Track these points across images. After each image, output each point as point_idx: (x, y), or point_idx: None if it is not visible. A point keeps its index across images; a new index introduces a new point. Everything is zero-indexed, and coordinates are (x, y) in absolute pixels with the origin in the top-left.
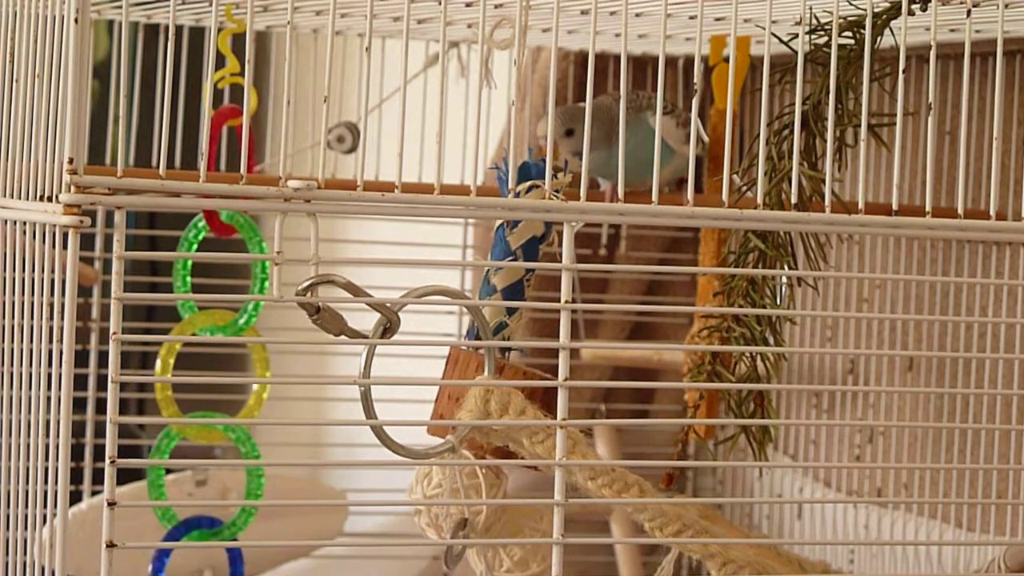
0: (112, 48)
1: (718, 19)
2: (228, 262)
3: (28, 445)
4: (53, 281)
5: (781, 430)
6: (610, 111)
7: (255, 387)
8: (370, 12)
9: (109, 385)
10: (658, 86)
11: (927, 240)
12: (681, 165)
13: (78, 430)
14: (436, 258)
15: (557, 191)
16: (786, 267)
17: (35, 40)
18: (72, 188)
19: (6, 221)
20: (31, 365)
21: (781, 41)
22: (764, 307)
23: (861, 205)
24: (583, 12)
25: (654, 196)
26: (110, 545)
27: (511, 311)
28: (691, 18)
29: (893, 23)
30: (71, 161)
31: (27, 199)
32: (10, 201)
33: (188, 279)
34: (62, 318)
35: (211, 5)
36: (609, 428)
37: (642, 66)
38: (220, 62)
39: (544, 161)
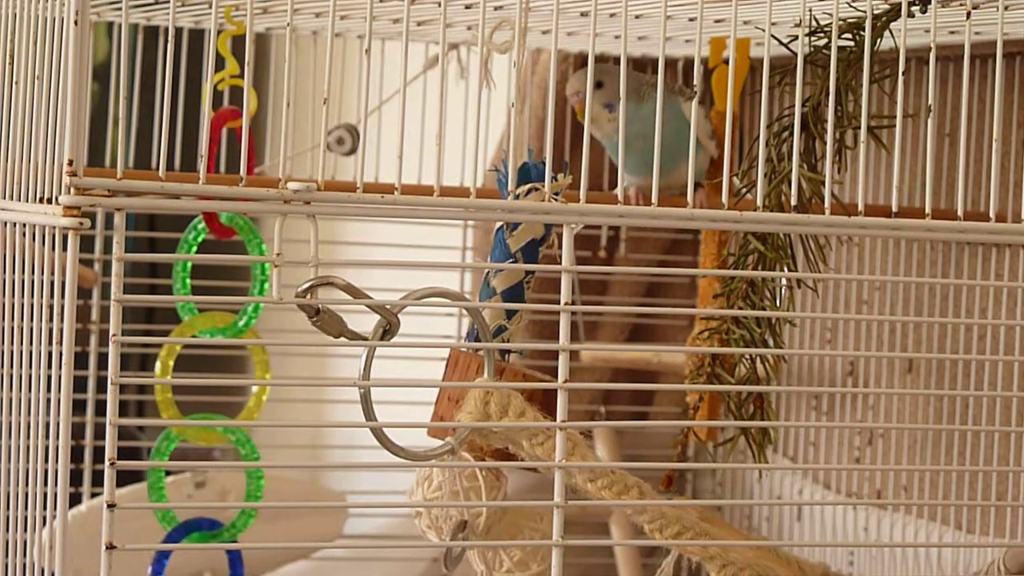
0: (112, 50)
1: (718, 21)
2: (227, 264)
3: (28, 447)
4: (53, 283)
5: (781, 432)
6: (637, 75)
7: (255, 389)
8: (370, 14)
9: (109, 387)
10: (658, 88)
11: (927, 242)
12: (703, 164)
13: (78, 432)
14: (436, 260)
15: (557, 193)
16: (786, 269)
17: (35, 42)
18: (72, 190)
19: (5, 223)
20: (31, 367)
21: (781, 43)
22: (764, 309)
23: (861, 207)
24: (583, 14)
25: (690, 188)
26: (110, 547)
27: (511, 313)
28: (691, 20)
29: (893, 25)
30: (71, 163)
31: (27, 201)
32: (10, 203)
33: (188, 281)
34: (62, 320)
35: (211, 7)
36: (609, 430)
37: (642, 68)
38: (220, 64)
39: (544, 163)
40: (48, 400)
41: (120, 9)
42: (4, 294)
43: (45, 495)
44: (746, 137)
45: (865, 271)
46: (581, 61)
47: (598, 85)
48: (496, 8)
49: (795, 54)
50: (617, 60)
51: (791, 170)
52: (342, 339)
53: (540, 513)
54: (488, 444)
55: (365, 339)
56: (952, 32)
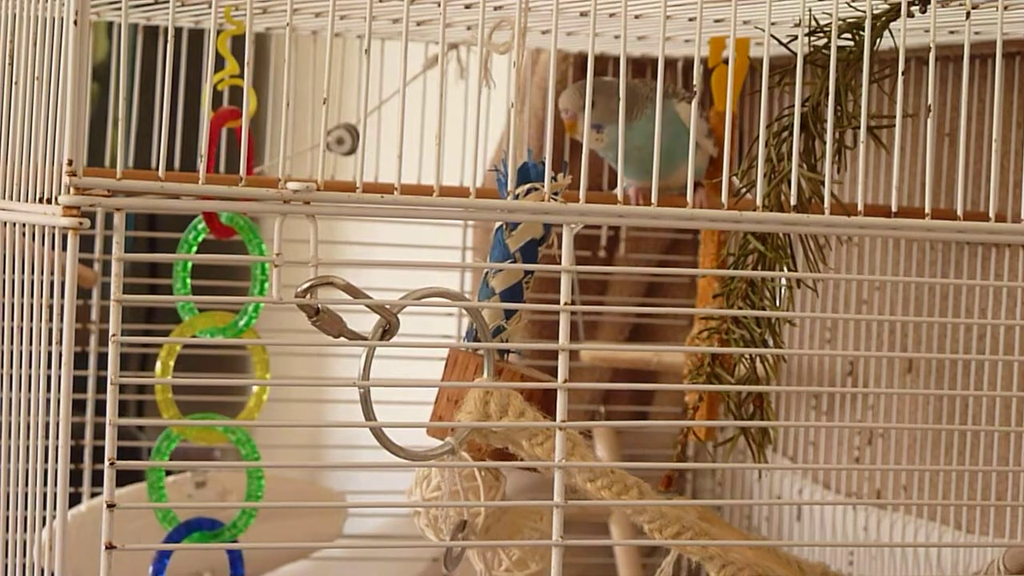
0: (111, 50)
1: (717, 21)
2: (227, 264)
3: (28, 447)
4: (52, 283)
5: (780, 432)
6: (632, 89)
7: (255, 389)
8: (369, 14)
9: (108, 387)
10: (658, 87)
11: (926, 242)
12: (703, 163)
13: (77, 432)
14: (435, 260)
15: (556, 193)
16: (785, 269)
17: (34, 42)
18: (71, 190)
19: (5, 223)
20: (31, 367)
21: (780, 43)
22: (763, 309)
23: (860, 207)
24: (582, 14)
25: (689, 187)
26: (109, 547)
27: (510, 313)
28: (690, 20)
29: (892, 25)
30: (70, 163)
31: (26, 201)
32: (9, 203)
33: (188, 281)
34: (61, 320)
35: (210, 7)
36: (608, 430)
37: (641, 68)
38: (219, 64)
39: (543, 163)
40: (48, 400)
41: (120, 9)
42: (4, 294)
43: (45, 495)
44: (746, 137)
45: (865, 271)
46: (580, 63)
47: (594, 104)
48: (496, 8)
49: (795, 54)
50: (615, 61)
51: (791, 170)
52: (342, 339)
53: (539, 512)
54: (487, 444)
55: (365, 339)
56: (952, 32)
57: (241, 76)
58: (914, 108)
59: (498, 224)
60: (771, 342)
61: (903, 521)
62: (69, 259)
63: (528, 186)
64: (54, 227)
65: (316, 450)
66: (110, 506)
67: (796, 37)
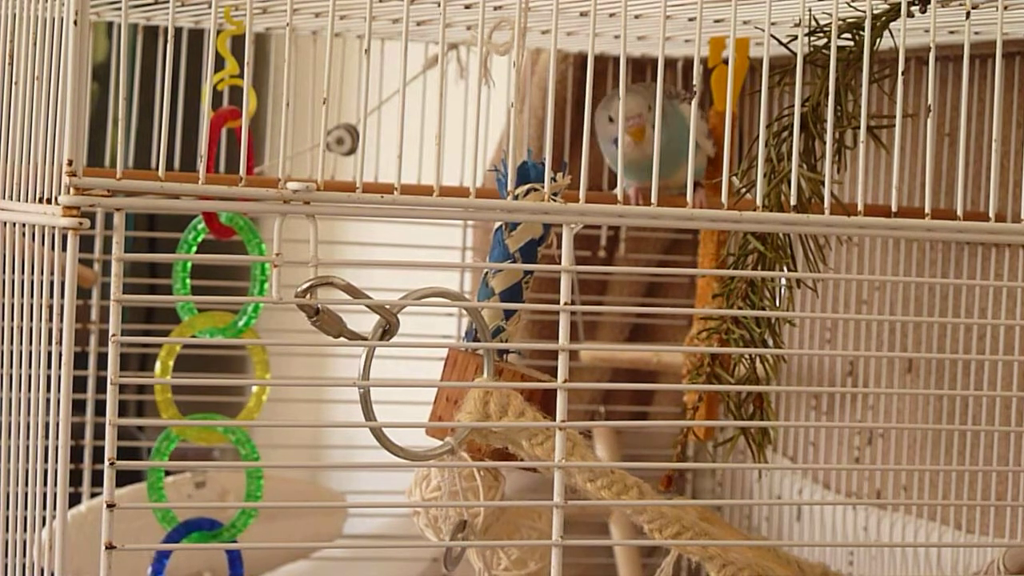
0: (111, 50)
1: (717, 21)
2: (227, 264)
3: (27, 447)
4: (52, 283)
5: (780, 432)
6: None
7: (255, 389)
8: (369, 14)
9: (108, 387)
10: (658, 88)
11: (926, 242)
12: (702, 163)
13: (77, 432)
14: (435, 260)
15: (556, 193)
16: (785, 269)
17: (34, 42)
18: (71, 190)
19: (5, 223)
20: (30, 367)
21: (780, 43)
22: (763, 309)
23: (860, 207)
24: (582, 14)
25: (689, 187)
26: (109, 547)
27: (510, 313)
28: (690, 20)
29: (892, 25)
30: (70, 163)
31: (26, 201)
32: (9, 203)
33: (187, 281)
34: (61, 320)
35: (211, 7)
36: (608, 430)
37: (641, 68)
38: (219, 64)
39: (543, 163)
40: (48, 400)
41: (120, 9)
42: (4, 294)
43: (45, 495)
44: (746, 137)
45: (865, 271)
46: (580, 63)
47: (650, 108)
48: (496, 8)
49: (795, 54)
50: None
51: (791, 170)
52: (342, 339)
53: (539, 511)
54: (487, 444)
55: (365, 339)
56: (952, 32)
57: (241, 76)
58: (914, 108)
59: (498, 224)
60: (771, 342)
61: (903, 521)
62: (69, 259)
63: (528, 186)
64: (54, 227)
65: (316, 450)
66: (110, 506)
67: (796, 37)
